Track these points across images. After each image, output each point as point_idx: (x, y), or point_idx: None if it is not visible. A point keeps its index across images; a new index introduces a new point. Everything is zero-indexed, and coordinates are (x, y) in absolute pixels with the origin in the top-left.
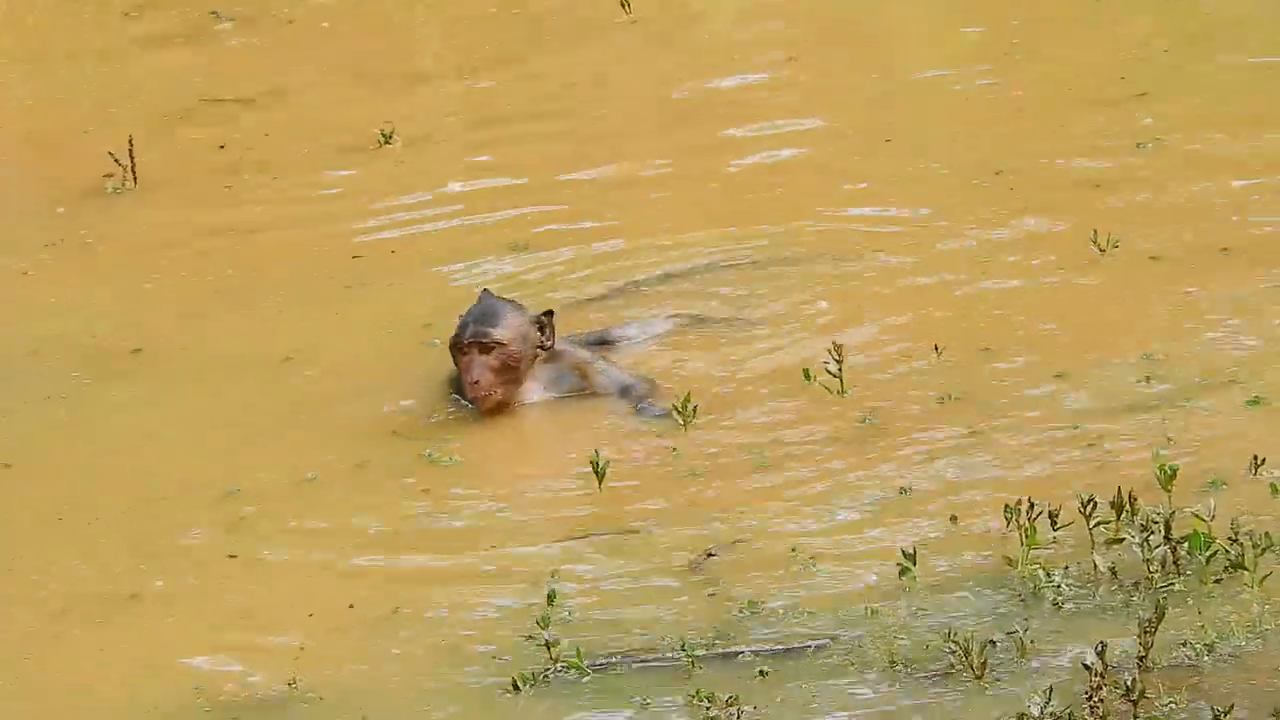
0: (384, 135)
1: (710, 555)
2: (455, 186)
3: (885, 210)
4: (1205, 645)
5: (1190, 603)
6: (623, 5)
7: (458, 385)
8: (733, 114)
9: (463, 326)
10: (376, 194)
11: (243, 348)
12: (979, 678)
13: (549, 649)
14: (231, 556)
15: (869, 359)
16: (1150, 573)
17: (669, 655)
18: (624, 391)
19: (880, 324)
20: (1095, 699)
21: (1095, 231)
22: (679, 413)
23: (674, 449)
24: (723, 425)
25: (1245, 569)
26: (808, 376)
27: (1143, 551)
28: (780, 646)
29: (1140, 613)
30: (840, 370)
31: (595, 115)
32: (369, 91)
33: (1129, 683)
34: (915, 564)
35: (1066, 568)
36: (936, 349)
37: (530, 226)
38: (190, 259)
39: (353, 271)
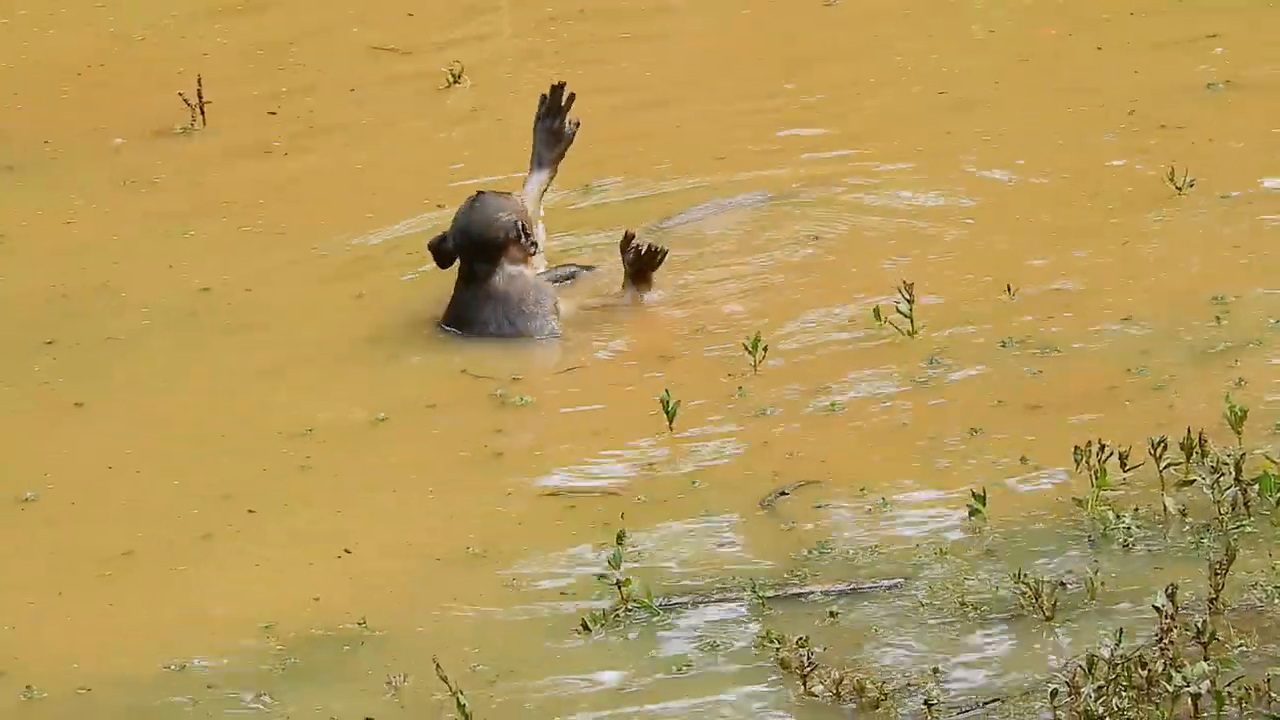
0: (451, 74)
1: (781, 495)
2: None
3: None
4: (1276, 588)
5: (1261, 544)
6: None
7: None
8: (813, 50)
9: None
10: (448, 136)
11: (311, 289)
12: (1049, 619)
13: (619, 588)
14: (301, 498)
15: (938, 299)
16: (1220, 514)
17: (739, 595)
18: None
19: (949, 263)
20: (1165, 641)
21: (1172, 169)
22: (749, 351)
23: (741, 389)
24: (792, 365)
25: None
26: (878, 316)
27: (1213, 493)
28: (850, 587)
29: (1210, 555)
30: (910, 311)
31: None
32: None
33: (1199, 625)
34: (985, 505)
35: (1136, 509)
36: (1009, 289)
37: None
38: (257, 200)
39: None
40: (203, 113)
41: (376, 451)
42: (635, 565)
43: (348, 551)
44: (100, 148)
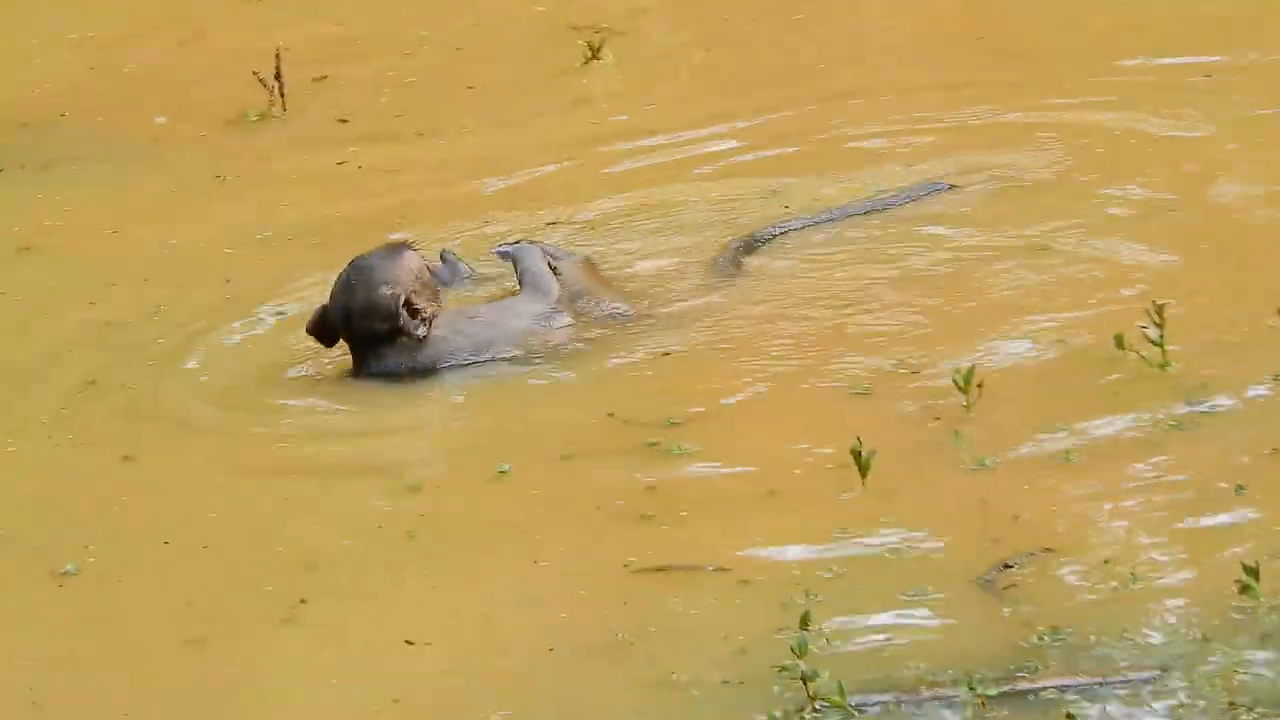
0: (591, 48)
1: (1005, 567)
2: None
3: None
4: None
5: None
6: None
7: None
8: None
9: None
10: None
11: None
12: None
13: (805, 683)
14: (404, 571)
15: (1192, 322)
16: None
17: (953, 692)
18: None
19: (1204, 278)
20: None
21: None
22: (960, 389)
23: (956, 433)
24: (1012, 403)
25: None
26: (1120, 344)
27: None
28: (1093, 681)
29: None
30: (1162, 338)
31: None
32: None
33: None
34: (1258, 580)
35: None
36: None
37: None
38: (336, 201)
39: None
40: (282, 95)
41: (498, 512)
42: (824, 654)
43: (464, 637)
44: (155, 137)
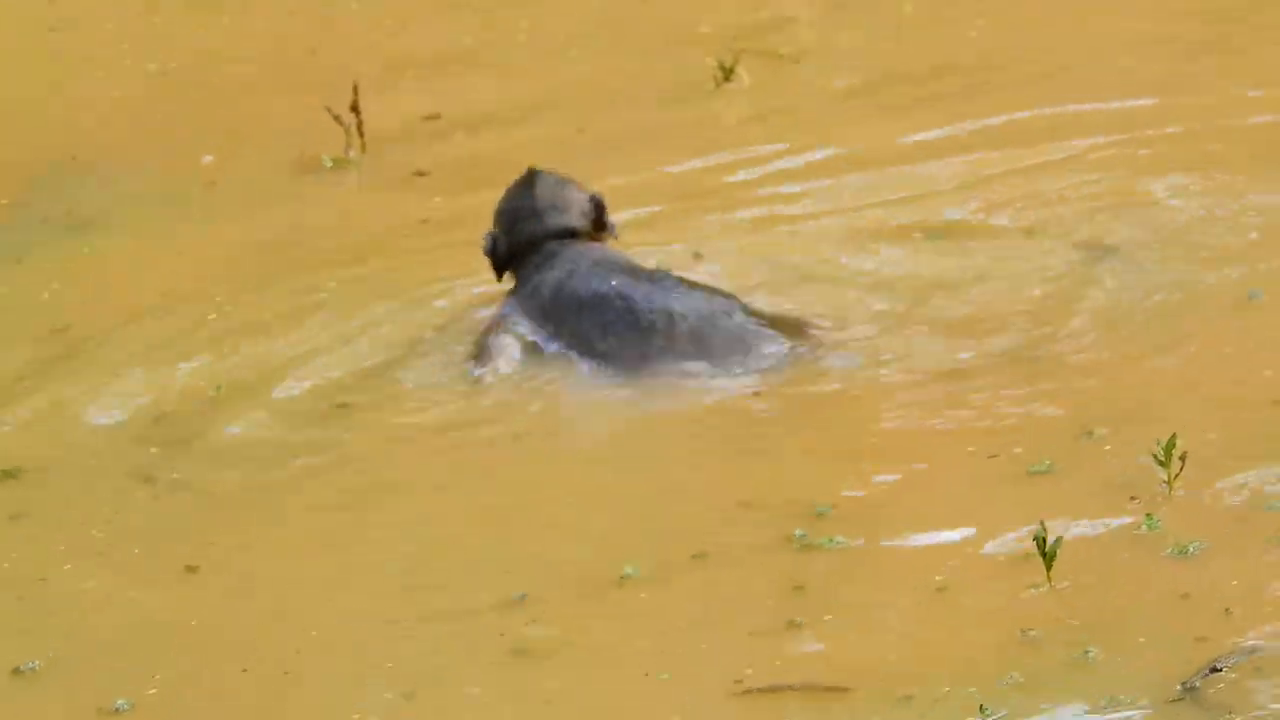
0: (724, 69)
1: (1213, 671)
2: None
3: None
4: None
5: None
6: None
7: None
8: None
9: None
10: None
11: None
12: None
13: None
14: (512, 695)
15: None
16: None
17: None
18: None
19: None
20: None
21: None
22: (1160, 464)
23: (1149, 517)
24: (1220, 478)
25: None
26: None
27: None
28: None
29: None
30: None
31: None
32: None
33: None
34: None
35: None
36: None
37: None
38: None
39: None
40: (361, 135)
41: (621, 623)
42: None
43: None
44: (207, 184)
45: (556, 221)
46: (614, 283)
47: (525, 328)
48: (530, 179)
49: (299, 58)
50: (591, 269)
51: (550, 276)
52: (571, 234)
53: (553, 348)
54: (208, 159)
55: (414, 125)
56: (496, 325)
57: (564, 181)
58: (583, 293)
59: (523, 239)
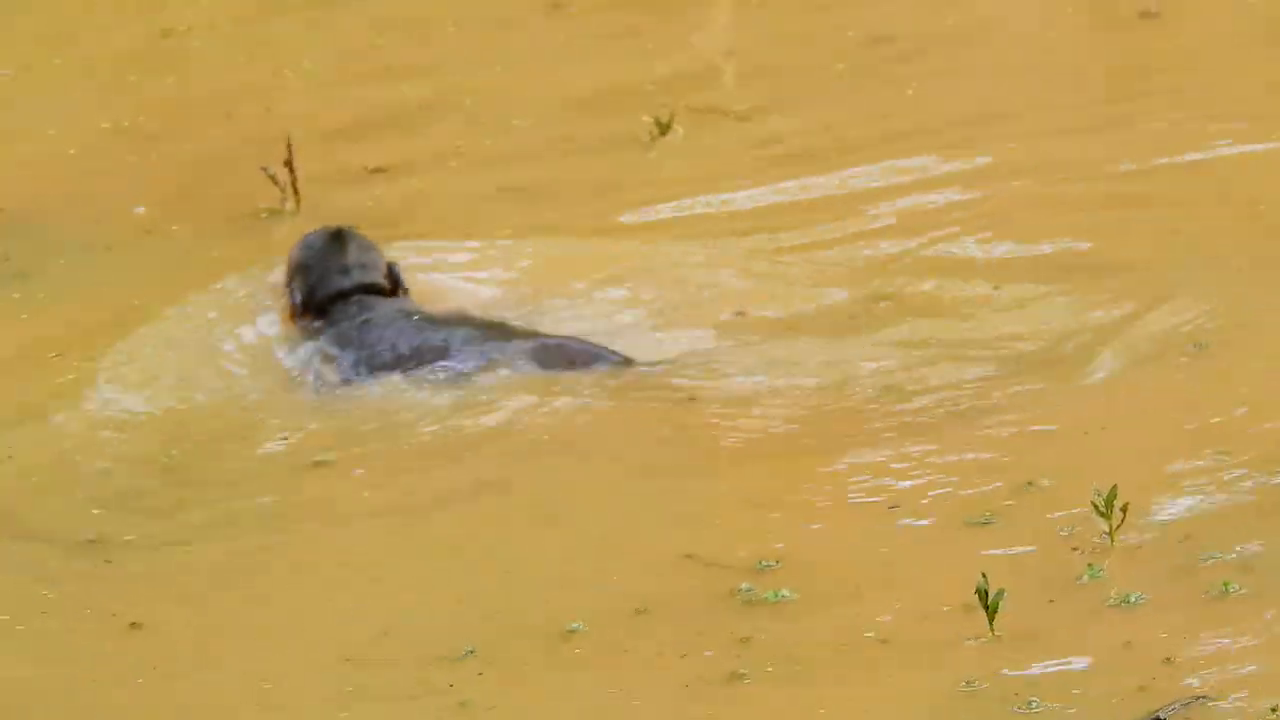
0: (660, 123)
1: None
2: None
3: None
4: None
5: None
6: None
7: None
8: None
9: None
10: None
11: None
12: None
13: None
14: None
15: None
16: None
17: None
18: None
19: None
20: None
21: None
22: (1101, 514)
23: (1090, 567)
24: (1162, 528)
25: None
26: None
27: None
28: None
29: None
30: None
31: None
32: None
33: None
34: None
35: None
36: None
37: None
38: None
39: None
40: (296, 191)
41: (562, 682)
42: None
43: None
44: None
45: (363, 278)
46: (417, 318)
47: (344, 358)
48: (340, 237)
49: (255, 113)
50: (397, 313)
51: (363, 318)
52: (377, 290)
53: (363, 371)
54: (140, 209)
55: (353, 179)
56: (316, 358)
57: (368, 244)
58: (398, 328)
59: (331, 292)
